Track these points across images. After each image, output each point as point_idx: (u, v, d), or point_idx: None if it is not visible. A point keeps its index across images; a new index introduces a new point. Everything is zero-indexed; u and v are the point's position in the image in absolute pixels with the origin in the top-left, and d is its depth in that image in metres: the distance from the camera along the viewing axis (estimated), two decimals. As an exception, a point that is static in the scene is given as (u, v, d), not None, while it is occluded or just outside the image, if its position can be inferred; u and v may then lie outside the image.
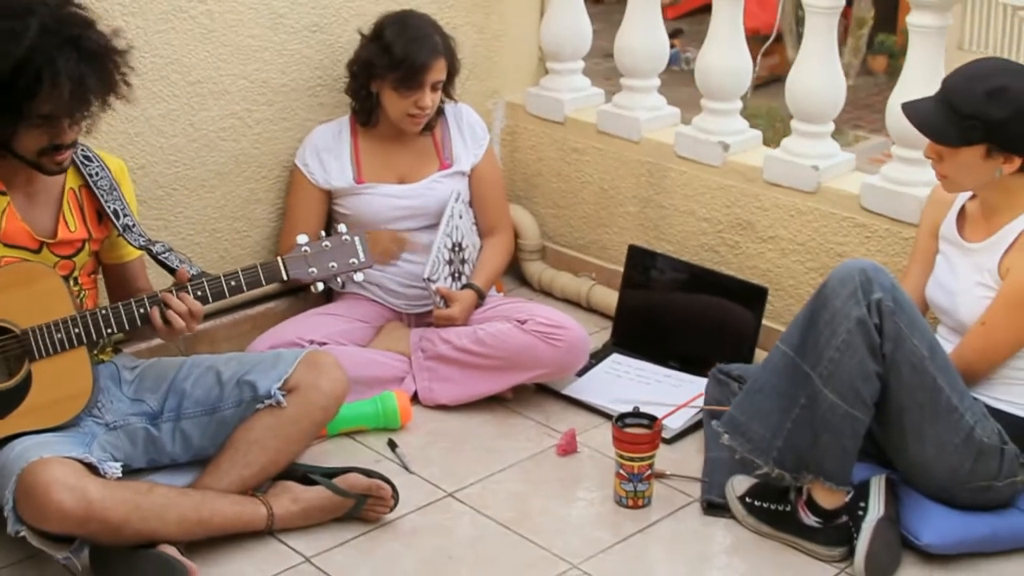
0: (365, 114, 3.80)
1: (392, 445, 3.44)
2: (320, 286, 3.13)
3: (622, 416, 3.20)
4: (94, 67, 2.90)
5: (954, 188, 3.09)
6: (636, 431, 3.15)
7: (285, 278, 3.09)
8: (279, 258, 3.09)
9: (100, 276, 3.28)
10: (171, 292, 3.00)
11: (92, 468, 2.86)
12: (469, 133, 3.92)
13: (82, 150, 3.18)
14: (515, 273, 4.43)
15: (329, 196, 3.81)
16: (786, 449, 2.97)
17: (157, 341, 3.54)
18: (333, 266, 3.11)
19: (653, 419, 3.19)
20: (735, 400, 3.11)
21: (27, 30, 2.80)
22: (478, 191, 3.93)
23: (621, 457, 3.16)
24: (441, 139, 3.88)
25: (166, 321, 2.99)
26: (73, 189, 3.14)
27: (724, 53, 3.87)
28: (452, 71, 3.77)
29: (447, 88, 3.79)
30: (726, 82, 3.89)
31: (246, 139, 3.81)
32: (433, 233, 3.74)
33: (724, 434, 3.06)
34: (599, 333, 4.07)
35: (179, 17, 3.57)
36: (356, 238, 3.13)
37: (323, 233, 3.15)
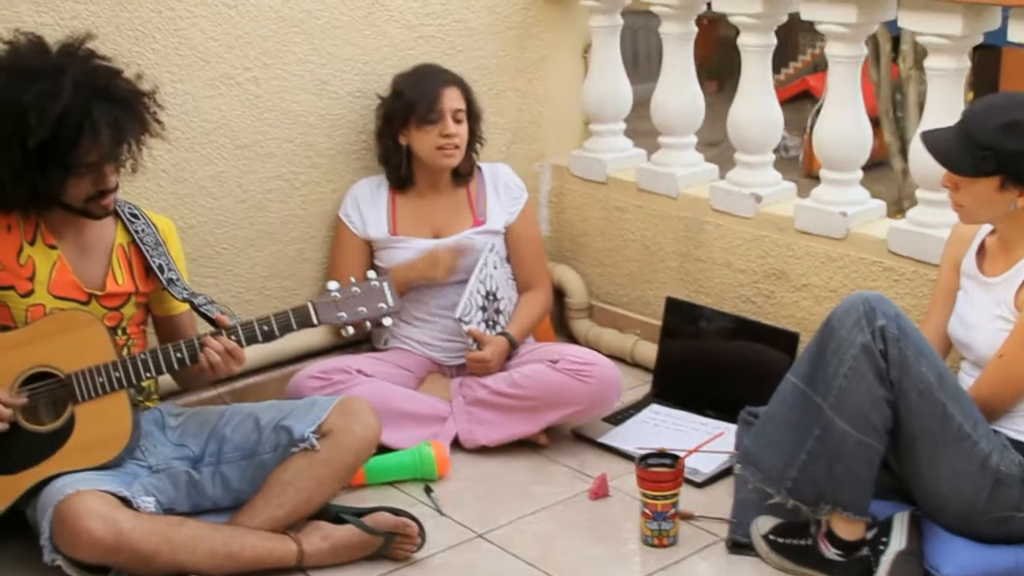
0: (399, 178, 3.95)
1: (428, 490, 3.53)
2: (351, 330, 3.25)
3: (646, 456, 3.26)
4: (127, 111, 3.10)
5: (970, 219, 3.13)
6: (659, 470, 3.21)
7: (315, 322, 3.22)
8: (309, 303, 3.22)
9: (148, 327, 3.44)
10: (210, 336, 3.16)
11: (127, 503, 3.00)
12: (505, 191, 4.04)
13: (129, 208, 3.36)
14: (563, 332, 4.52)
15: (370, 247, 3.95)
16: (801, 480, 3.00)
17: (205, 393, 3.70)
18: (362, 311, 3.22)
19: (676, 459, 3.25)
20: (749, 432, 3.16)
21: (62, 88, 3.00)
22: (515, 248, 4.04)
23: (645, 496, 3.22)
24: (476, 196, 4.01)
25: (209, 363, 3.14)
26: (122, 245, 3.31)
27: (754, 106, 3.96)
28: (472, 105, 3.93)
29: (473, 128, 3.93)
30: (757, 134, 3.98)
31: (293, 200, 3.97)
32: (464, 289, 3.85)
33: (737, 464, 3.10)
34: (641, 386, 4.14)
35: (227, 84, 3.75)
36: (384, 283, 3.25)
37: (352, 279, 3.28)
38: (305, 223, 4.02)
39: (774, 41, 3.95)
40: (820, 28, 3.70)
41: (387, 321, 3.26)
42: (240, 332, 3.19)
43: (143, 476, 3.21)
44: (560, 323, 4.48)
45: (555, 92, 4.54)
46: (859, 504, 2.97)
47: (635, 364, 4.31)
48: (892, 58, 12.18)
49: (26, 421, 3.08)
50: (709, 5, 4.04)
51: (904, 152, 11.05)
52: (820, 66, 15.00)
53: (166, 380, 3.45)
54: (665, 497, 3.19)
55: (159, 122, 3.22)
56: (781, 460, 3.02)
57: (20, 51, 3.11)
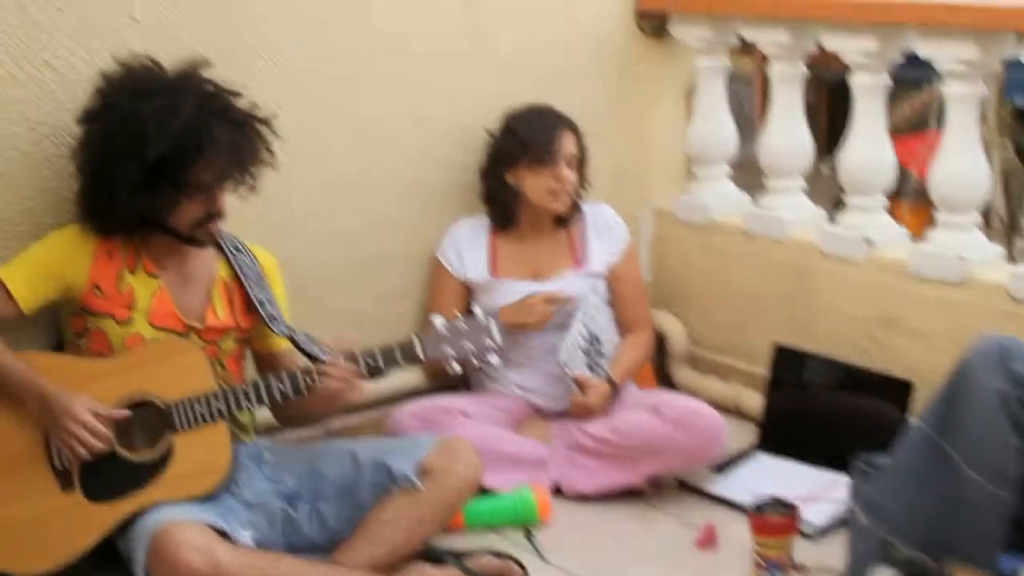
0: (503, 217, 3.87)
1: (528, 535, 3.42)
2: (456, 367, 3.16)
3: (760, 504, 3.13)
4: (244, 134, 3.08)
5: None
6: (774, 518, 3.08)
7: (422, 357, 3.14)
8: (414, 336, 3.14)
9: (246, 362, 3.37)
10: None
11: (224, 535, 2.91)
12: (607, 232, 3.95)
13: (233, 242, 3.31)
14: (664, 380, 4.40)
15: (468, 289, 3.87)
16: (927, 531, 2.86)
17: (301, 432, 3.62)
18: (469, 347, 3.15)
19: (792, 507, 3.12)
20: (873, 480, 3.02)
21: (183, 105, 2.98)
22: (617, 291, 3.94)
23: (759, 545, 3.09)
24: (577, 238, 3.92)
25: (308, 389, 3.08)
26: (224, 279, 3.26)
27: (867, 149, 3.85)
28: (582, 151, 3.84)
29: (581, 173, 3.84)
30: (869, 177, 3.87)
31: (391, 237, 3.90)
32: (565, 332, 3.76)
33: (861, 514, 2.96)
34: (745, 436, 4.00)
35: (329, 115, 3.71)
36: (491, 320, 3.18)
37: (458, 314, 3.20)
38: (404, 261, 3.95)
39: (888, 81, 3.84)
40: (938, 67, 3.59)
41: (494, 359, 3.18)
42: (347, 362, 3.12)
43: (238, 510, 3.12)
44: (660, 371, 4.36)
45: (658, 136, 4.46)
46: (987, 558, 2.82)
47: (738, 413, 4.18)
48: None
49: (123, 449, 3.01)
50: (820, 46, 3.95)
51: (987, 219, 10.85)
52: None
53: (263, 417, 3.39)
54: (780, 546, 3.06)
55: (271, 152, 3.18)
56: (906, 509, 2.88)
57: (136, 72, 3.09)
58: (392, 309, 3.93)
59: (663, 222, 4.45)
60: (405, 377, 3.92)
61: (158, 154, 2.95)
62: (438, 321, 3.18)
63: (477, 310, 3.21)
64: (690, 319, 4.41)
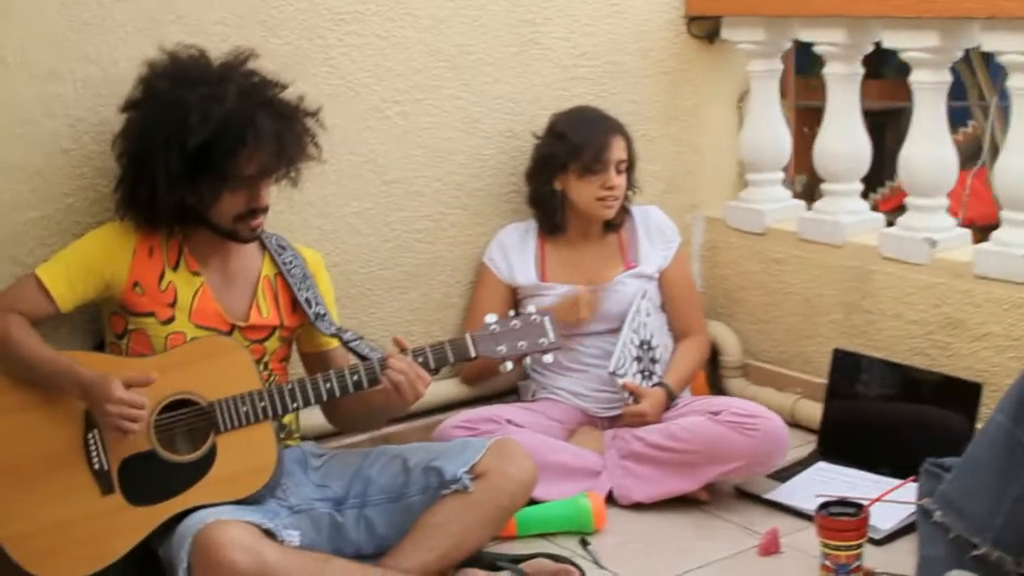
0: (550, 222, 3.76)
1: (584, 543, 3.29)
2: (509, 366, 3.06)
3: (827, 504, 3.00)
4: (290, 126, 2.98)
5: None
6: (843, 518, 2.95)
7: (473, 355, 3.04)
8: (467, 334, 3.04)
9: (291, 365, 3.27)
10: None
11: (270, 535, 2.80)
12: (658, 235, 3.85)
13: (276, 239, 3.22)
14: (717, 391, 4.27)
15: (514, 294, 3.77)
16: (1007, 528, 2.72)
17: (346, 439, 3.52)
18: (522, 345, 3.05)
19: (860, 507, 2.98)
20: (949, 476, 2.89)
21: (227, 93, 2.89)
22: (669, 295, 3.83)
23: (827, 547, 2.95)
24: (627, 240, 3.81)
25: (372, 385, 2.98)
26: (268, 277, 3.16)
27: (928, 147, 3.74)
28: (632, 155, 3.73)
29: (630, 176, 3.73)
30: (931, 177, 3.75)
31: (440, 242, 3.81)
32: (617, 337, 3.65)
33: (937, 511, 2.83)
34: (803, 447, 3.87)
35: (376, 117, 3.63)
36: (545, 318, 3.08)
37: (511, 312, 3.10)
38: (452, 266, 3.85)
39: (949, 78, 3.74)
40: (1002, 60, 3.48)
41: (548, 358, 3.08)
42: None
43: (283, 515, 3.01)
44: (713, 382, 4.24)
45: (709, 141, 4.36)
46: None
47: (795, 424, 4.04)
48: None
49: (164, 450, 2.92)
50: (878, 45, 3.84)
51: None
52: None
53: (308, 423, 3.29)
54: (849, 548, 2.92)
55: (318, 146, 3.09)
56: (986, 506, 2.75)
57: (181, 60, 3.01)
58: (438, 315, 3.83)
59: (714, 229, 4.34)
60: (450, 388, 3.84)
61: (200, 143, 2.86)
62: (490, 319, 3.08)
63: (530, 307, 3.11)
64: (743, 329, 4.29)
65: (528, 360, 3.09)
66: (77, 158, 3.16)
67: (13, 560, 2.84)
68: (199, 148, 2.86)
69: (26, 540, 2.85)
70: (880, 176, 6.18)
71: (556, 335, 3.08)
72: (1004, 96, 4.11)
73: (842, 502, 3.00)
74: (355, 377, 2.99)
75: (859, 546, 2.94)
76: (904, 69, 3.78)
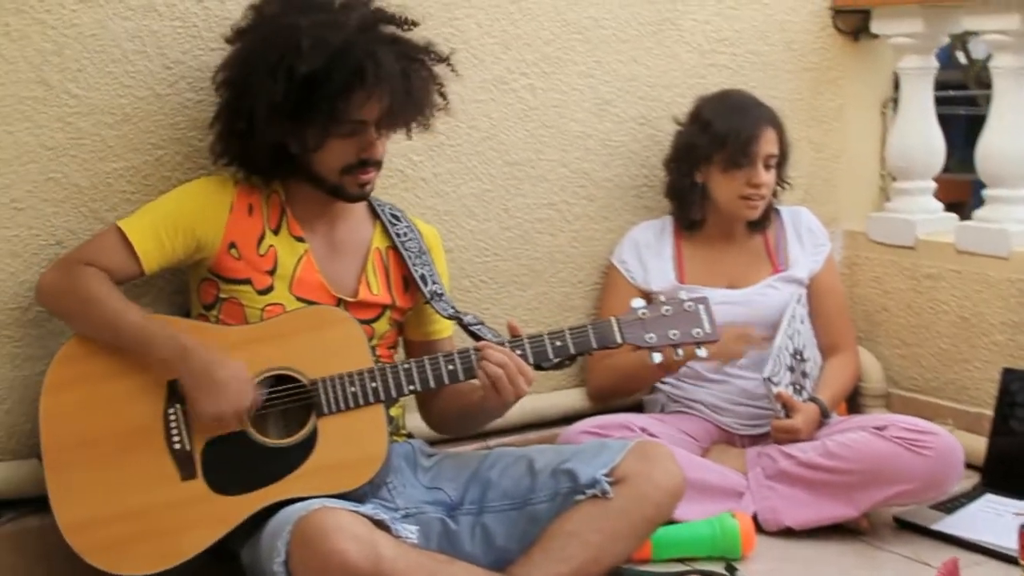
0: (688, 217, 3.38)
1: (730, 569, 2.85)
2: (657, 358, 2.65)
3: (1027, 524, 2.57)
4: (416, 67, 2.59)
5: None
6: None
7: (619, 340, 2.65)
8: (613, 318, 2.64)
9: (399, 351, 2.88)
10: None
11: (383, 529, 2.38)
12: (808, 237, 3.46)
13: (390, 209, 2.85)
14: (855, 422, 3.83)
15: (647, 299, 3.35)
16: None
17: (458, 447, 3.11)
18: (674, 334, 2.66)
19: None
20: None
21: (347, 21, 2.53)
22: (818, 304, 3.42)
23: (1028, 573, 2.52)
24: (775, 241, 3.42)
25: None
26: (380, 249, 2.79)
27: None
28: (784, 147, 3.33)
29: (780, 172, 3.34)
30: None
31: (563, 235, 3.44)
32: (770, 345, 3.22)
33: None
34: (963, 482, 3.42)
35: (500, 88, 3.28)
36: (701, 306, 2.68)
37: (662, 297, 2.70)
38: (575, 263, 3.47)
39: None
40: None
41: (701, 352, 2.66)
42: (528, 347, 2.61)
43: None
44: (853, 410, 3.80)
45: (851, 147, 3.97)
46: None
47: (951, 459, 3.60)
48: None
49: (256, 432, 2.52)
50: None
51: None
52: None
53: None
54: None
55: (445, 96, 2.70)
56: None
57: None
58: (557, 318, 3.42)
59: (854, 245, 3.93)
60: (574, 397, 3.43)
61: (309, 72, 2.49)
62: (637, 303, 2.68)
63: (683, 294, 2.71)
64: (886, 355, 3.85)
65: (679, 352, 2.68)
66: (171, 105, 2.82)
67: (73, 549, 2.46)
68: (308, 79, 2.49)
69: (90, 528, 2.48)
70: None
71: (714, 327, 2.68)
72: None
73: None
74: (466, 362, 2.60)
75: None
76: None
